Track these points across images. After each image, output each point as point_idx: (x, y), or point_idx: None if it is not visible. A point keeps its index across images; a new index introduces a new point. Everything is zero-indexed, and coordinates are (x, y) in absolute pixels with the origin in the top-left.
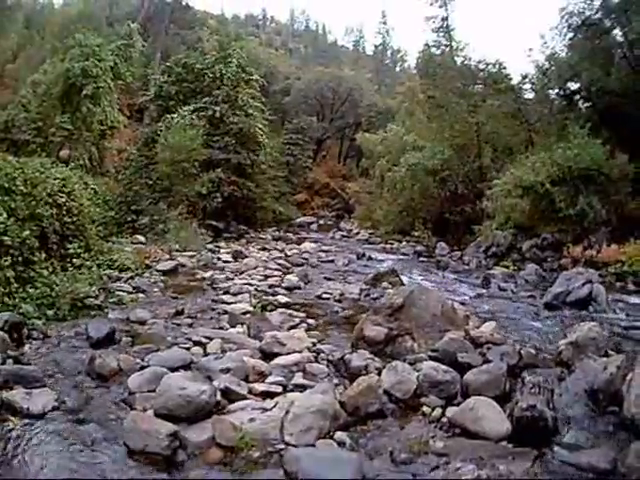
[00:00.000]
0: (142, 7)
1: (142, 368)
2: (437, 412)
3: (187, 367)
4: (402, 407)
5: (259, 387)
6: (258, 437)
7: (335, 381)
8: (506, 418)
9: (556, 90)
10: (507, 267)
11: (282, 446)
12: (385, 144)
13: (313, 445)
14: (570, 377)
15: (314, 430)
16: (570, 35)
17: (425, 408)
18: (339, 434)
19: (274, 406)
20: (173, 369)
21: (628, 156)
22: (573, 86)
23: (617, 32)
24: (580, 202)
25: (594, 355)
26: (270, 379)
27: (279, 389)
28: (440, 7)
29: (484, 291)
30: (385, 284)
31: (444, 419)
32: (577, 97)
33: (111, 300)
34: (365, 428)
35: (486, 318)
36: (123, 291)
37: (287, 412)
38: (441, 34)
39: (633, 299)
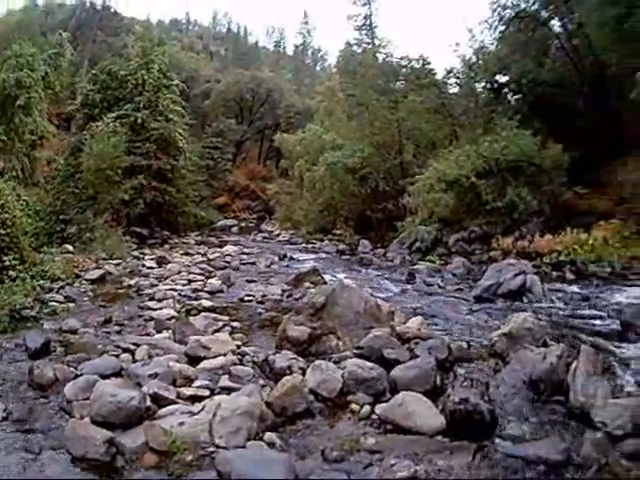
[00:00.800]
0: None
1: (76, 377)
2: (366, 409)
3: (118, 374)
4: (330, 405)
5: (187, 391)
6: (189, 440)
7: (261, 382)
8: (439, 413)
9: (483, 83)
10: (433, 262)
11: (213, 448)
12: (304, 144)
13: (243, 446)
14: (506, 368)
15: (243, 431)
16: (501, 28)
17: (353, 405)
18: (268, 435)
19: (202, 409)
20: (105, 376)
21: (562, 146)
22: (502, 79)
23: (555, 23)
24: (509, 194)
25: (531, 346)
26: (197, 383)
27: (206, 392)
28: (363, 5)
29: (409, 286)
30: (307, 284)
31: (374, 416)
32: (506, 89)
33: (45, 311)
34: (294, 428)
35: (412, 313)
36: (56, 301)
37: (214, 415)
38: (363, 32)
39: (572, 288)
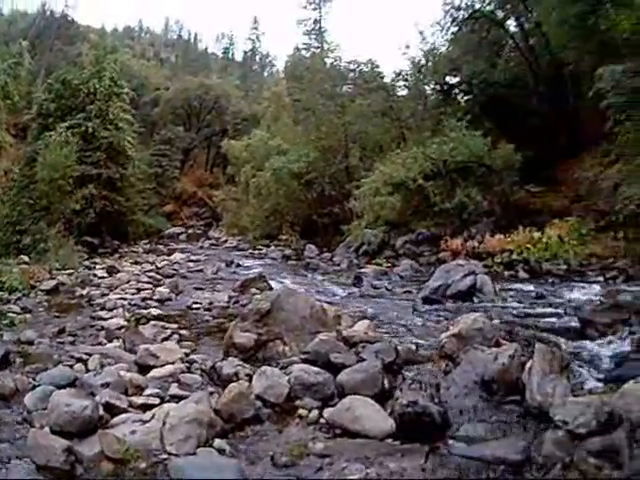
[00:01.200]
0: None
1: (34, 387)
2: (314, 414)
3: (72, 384)
4: (278, 411)
5: (138, 400)
6: (141, 448)
7: (209, 390)
8: (388, 416)
9: (432, 85)
10: (380, 265)
11: (165, 456)
12: (250, 150)
13: (194, 454)
14: (456, 370)
15: (193, 439)
16: (454, 29)
17: (301, 410)
18: (218, 441)
19: (152, 418)
20: (60, 387)
21: (514, 145)
22: (452, 80)
23: (511, 23)
24: (458, 195)
25: (482, 346)
26: (147, 391)
27: (157, 401)
28: (314, 9)
29: (356, 290)
30: (254, 290)
31: (322, 420)
32: (456, 91)
33: (4, 322)
34: (243, 434)
35: (359, 317)
36: (13, 312)
37: (164, 423)
38: (312, 36)
39: (526, 286)
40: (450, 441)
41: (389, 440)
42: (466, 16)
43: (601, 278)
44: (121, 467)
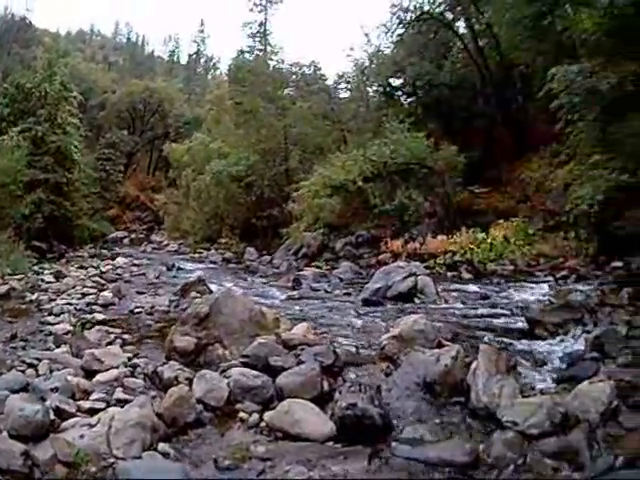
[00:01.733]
0: None
1: None
2: (255, 417)
3: (25, 389)
4: (219, 415)
5: (85, 404)
6: (90, 452)
7: (152, 394)
8: (328, 419)
9: (375, 87)
10: (319, 267)
11: (113, 460)
12: (191, 153)
13: (139, 457)
14: (397, 371)
15: (138, 442)
16: (400, 31)
17: (242, 414)
18: (162, 445)
19: (98, 422)
20: (14, 391)
21: (457, 147)
22: (396, 82)
23: (460, 24)
24: (398, 196)
25: (423, 347)
26: (94, 396)
27: (103, 405)
28: (260, 12)
29: (295, 293)
30: (194, 293)
31: (263, 424)
32: (399, 93)
33: None
34: (186, 438)
35: (298, 319)
36: None
37: (110, 427)
38: (257, 39)
39: (470, 287)
40: (393, 443)
41: (330, 443)
42: (414, 18)
43: (551, 278)
44: (74, 470)
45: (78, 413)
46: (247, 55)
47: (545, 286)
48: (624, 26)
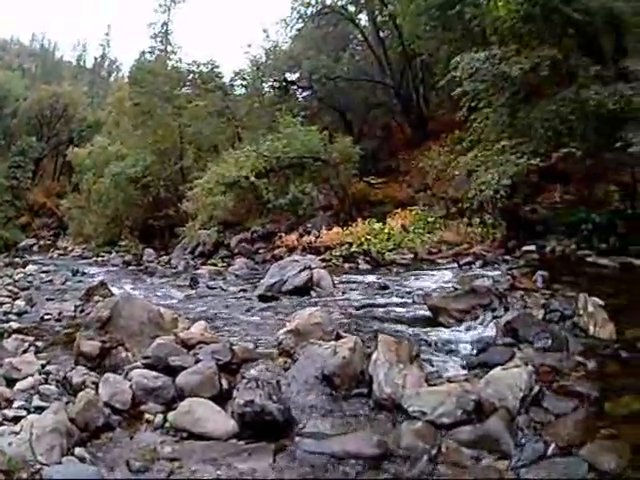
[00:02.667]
0: None
1: None
2: (159, 418)
3: None
4: (126, 417)
5: (9, 412)
6: (19, 459)
7: (65, 400)
8: (229, 416)
9: (270, 82)
10: (215, 265)
11: (39, 466)
12: (92, 157)
13: (60, 462)
14: (296, 366)
15: (57, 448)
16: (299, 26)
17: (147, 415)
18: (78, 450)
19: (21, 429)
20: None
21: (352, 139)
22: (292, 77)
23: (362, 16)
24: (291, 190)
25: (320, 340)
26: (16, 404)
27: (24, 412)
28: (163, 12)
29: (193, 292)
30: (97, 298)
31: (167, 424)
32: (294, 87)
33: None
34: (99, 442)
35: (196, 318)
36: None
37: (31, 434)
38: (159, 39)
39: (368, 278)
40: (297, 438)
41: (233, 440)
42: (314, 12)
43: (454, 265)
44: (9, 477)
45: (5, 422)
46: (148, 56)
47: (448, 273)
48: (541, 12)
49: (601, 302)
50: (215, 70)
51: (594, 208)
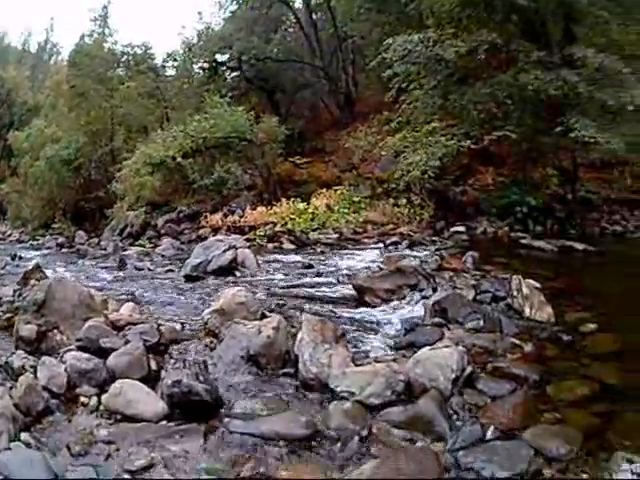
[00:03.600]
0: None
1: None
2: (94, 401)
3: None
4: (64, 401)
5: None
6: None
7: (8, 385)
8: (159, 398)
9: (200, 63)
10: (143, 246)
11: None
12: (29, 140)
13: (9, 448)
14: (221, 346)
15: (5, 434)
16: (233, 8)
17: (83, 398)
18: (24, 435)
19: None
20: None
21: (278, 119)
22: (221, 58)
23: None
24: (217, 170)
25: (245, 320)
26: None
27: None
28: None
29: (121, 273)
30: (33, 281)
31: (102, 407)
32: (224, 68)
33: None
34: (42, 426)
35: (125, 300)
36: None
37: None
38: (98, 22)
39: (292, 257)
40: (226, 419)
41: (164, 422)
42: None
43: (380, 245)
44: None
45: None
46: (87, 39)
47: (374, 253)
48: None
49: (537, 284)
50: (148, 52)
51: (531, 191)
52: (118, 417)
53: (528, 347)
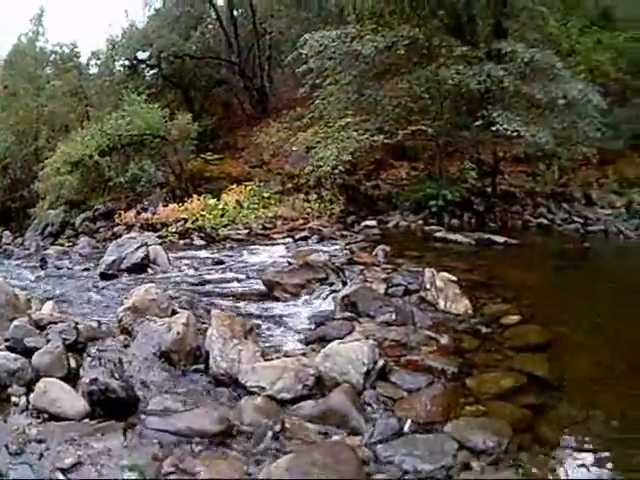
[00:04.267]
0: None
1: None
2: (23, 400)
3: None
4: None
5: None
6: None
7: None
8: (80, 396)
9: (121, 61)
10: (62, 245)
11: None
12: None
13: None
14: (135, 343)
15: None
16: (158, 5)
17: (14, 398)
18: None
19: None
20: None
21: (191, 116)
22: (142, 55)
23: None
24: (131, 168)
25: (156, 317)
26: None
27: None
28: None
29: (42, 273)
30: None
31: (30, 406)
32: (143, 65)
33: None
34: None
35: (47, 299)
36: None
37: None
38: (34, 21)
39: (202, 253)
40: (143, 416)
41: (86, 420)
42: None
43: (289, 240)
44: None
45: None
46: (23, 39)
47: (283, 248)
48: None
49: (453, 277)
50: (75, 50)
51: (447, 185)
52: (46, 416)
53: (444, 339)
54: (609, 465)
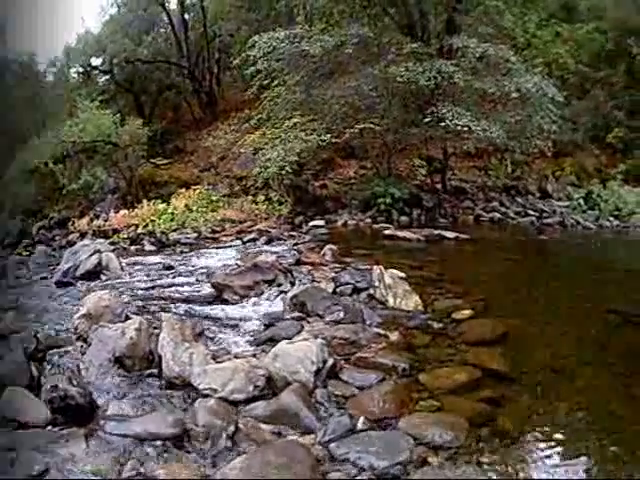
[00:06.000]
0: None
1: None
2: None
3: None
4: None
5: None
6: None
7: None
8: (43, 404)
9: (76, 68)
10: (20, 254)
11: None
12: None
13: None
14: (90, 349)
15: None
16: (113, 11)
17: None
18: None
19: None
20: None
21: (142, 121)
22: (96, 61)
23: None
24: (84, 175)
25: (110, 323)
26: None
27: None
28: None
29: (3, 282)
30: None
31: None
32: (96, 71)
33: None
34: None
35: (7, 309)
36: None
37: None
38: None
39: (153, 259)
40: (102, 421)
41: (50, 427)
42: None
43: (238, 242)
44: None
45: None
46: None
47: (232, 250)
48: None
49: (402, 274)
50: (33, 58)
51: (395, 183)
52: (14, 425)
53: (394, 336)
54: (571, 455)
